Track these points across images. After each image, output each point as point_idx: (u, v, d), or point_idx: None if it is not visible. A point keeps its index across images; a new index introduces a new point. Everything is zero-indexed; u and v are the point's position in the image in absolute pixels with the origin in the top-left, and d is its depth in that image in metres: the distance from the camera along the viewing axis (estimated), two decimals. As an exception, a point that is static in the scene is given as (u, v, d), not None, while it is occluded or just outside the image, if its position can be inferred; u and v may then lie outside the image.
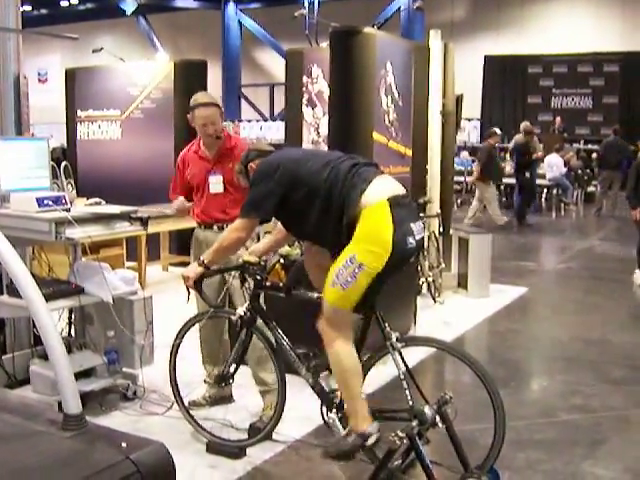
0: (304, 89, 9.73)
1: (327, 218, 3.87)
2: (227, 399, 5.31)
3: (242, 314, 4.37)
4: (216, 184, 5.05)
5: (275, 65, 28.57)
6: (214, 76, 18.06)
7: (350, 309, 3.85)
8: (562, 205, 18.71)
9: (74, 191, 5.66)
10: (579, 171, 19.64)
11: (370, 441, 3.82)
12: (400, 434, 3.69)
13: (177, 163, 5.35)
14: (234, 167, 4.68)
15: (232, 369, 4.53)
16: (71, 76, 11.06)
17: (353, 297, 3.80)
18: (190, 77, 10.34)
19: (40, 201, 4.87)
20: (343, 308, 3.84)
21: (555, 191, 18.83)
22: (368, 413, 3.88)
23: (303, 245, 4.91)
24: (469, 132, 25.32)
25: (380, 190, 3.82)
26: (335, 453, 3.98)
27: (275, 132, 24.37)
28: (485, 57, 25.50)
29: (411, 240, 3.76)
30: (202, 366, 5.29)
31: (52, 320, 3.98)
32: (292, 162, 4.06)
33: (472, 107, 21.92)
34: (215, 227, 5.10)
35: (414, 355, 5.24)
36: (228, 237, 4.19)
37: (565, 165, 18.83)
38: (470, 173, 20.07)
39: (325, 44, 9.47)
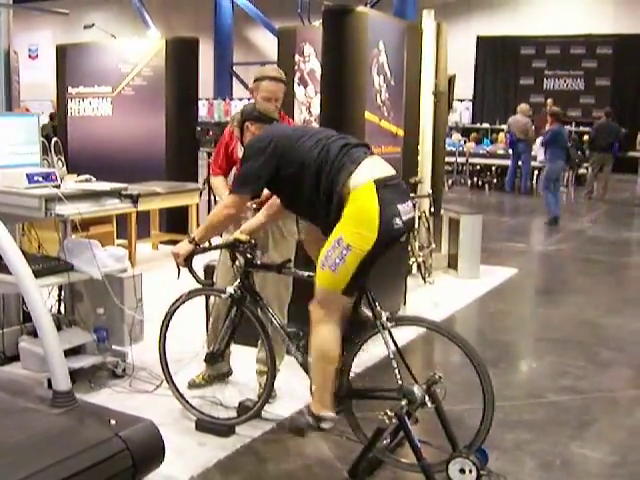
0: (296, 68, 9.68)
1: (317, 196, 3.88)
2: (226, 375, 5.27)
3: (232, 292, 4.37)
4: None
5: (267, 43, 28.49)
6: (206, 54, 17.99)
7: (340, 291, 3.86)
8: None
9: (64, 167, 5.63)
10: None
11: (324, 426, 3.99)
12: (389, 413, 3.72)
13: (223, 136, 5.18)
14: None
15: (222, 347, 4.53)
16: (62, 52, 10.96)
17: (343, 279, 3.81)
18: (182, 55, 10.30)
19: (30, 177, 4.85)
20: (333, 290, 3.86)
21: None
22: (331, 401, 3.98)
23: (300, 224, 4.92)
24: (461, 113, 25.34)
25: (368, 172, 3.83)
26: (289, 427, 4.28)
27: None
28: (478, 38, 25.42)
29: (398, 221, 3.76)
30: (200, 344, 5.21)
31: (41, 297, 3.99)
32: (284, 138, 4.05)
33: (464, 88, 21.90)
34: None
35: (404, 335, 5.24)
36: (218, 213, 4.18)
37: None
38: (462, 154, 20.06)
39: (317, 22, 9.43)
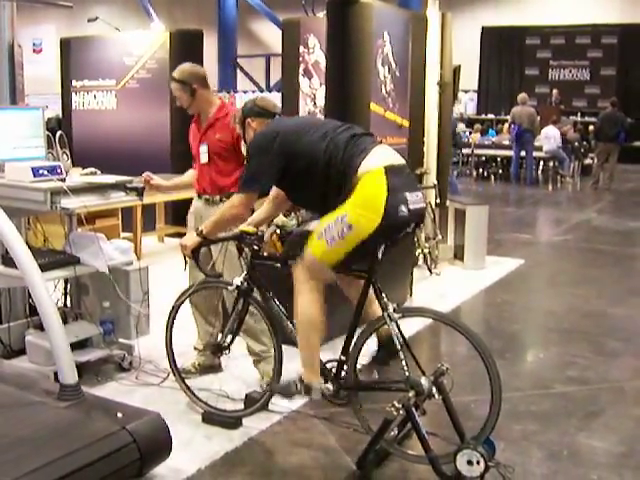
0: (300, 59, 9.68)
1: (326, 188, 3.89)
2: (216, 368, 5.33)
3: (239, 284, 4.36)
4: (204, 154, 5.06)
5: (271, 35, 28.39)
6: (210, 46, 17.94)
7: (329, 266, 3.90)
8: (559, 177, 18.72)
9: (69, 161, 5.63)
10: (576, 143, 19.60)
11: (313, 396, 4.07)
12: (396, 405, 3.71)
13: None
14: (220, 137, 4.78)
15: (229, 340, 4.52)
16: (66, 46, 10.98)
17: (336, 255, 3.85)
18: (186, 47, 10.26)
19: (35, 171, 4.84)
20: (323, 263, 3.90)
21: (552, 163, 18.84)
22: (319, 368, 4.07)
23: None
24: (466, 103, 25.28)
25: (377, 159, 3.84)
26: (279, 391, 4.32)
27: (271, 103, 24.23)
28: (483, 28, 25.34)
29: (403, 208, 3.76)
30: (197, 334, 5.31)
31: (47, 290, 4.00)
32: (290, 133, 4.04)
33: (469, 78, 21.87)
34: (203, 198, 5.12)
35: (410, 326, 5.23)
36: (227, 212, 4.19)
37: (562, 137, 18.80)
38: (467, 145, 20.00)
39: (322, 14, 9.41)
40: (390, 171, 3.79)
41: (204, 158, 5.06)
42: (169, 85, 5.22)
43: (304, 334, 4.02)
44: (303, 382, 4.06)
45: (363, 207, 3.75)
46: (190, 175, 5.28)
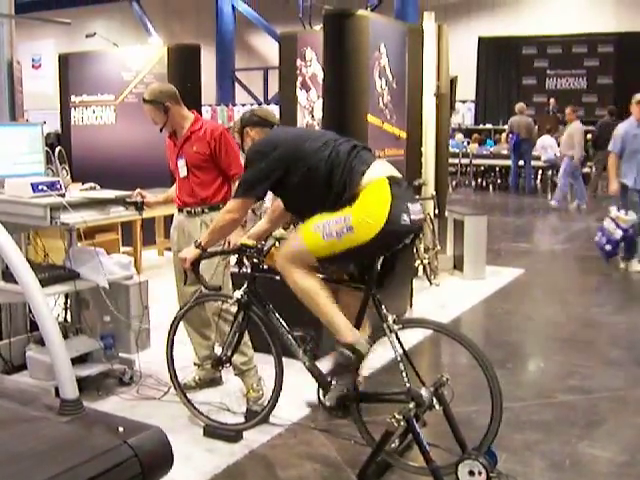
0: (298, 72, 9.69)
1: (326, 198, 3.88)
2: (217, 381, 5.34)
3: (239, 297, 4.37)
4: (182, 168, 5.09)
5: (269, 49, 28.48)
6: (208, 60, 17.98)
7: (316, 257, 3.89)
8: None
9: (69, 176, 5.65)
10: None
11: (361, 349, 3.86)
12: (397, 416, 3.70)
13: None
14: (197, 150, 4.80)
15: (229, 353, 4.52)
16: (65, 61, 11.01)
17: (326, 251, 3.85)
18: (184, 61, 10.30)
19: (35, 186, 4.86)
20: (312, 253, 3.89)
21: (550, 172, 18.84)
22: (349, 325, 3.92)
23: None
24: (463, 114, 25.31)
25: (380, 170, 3.88)
26: (333, 372, 4.04)
27: (269, 116, 24.28)
28: (479, 38, 25.37)
29: (405, 217, 3.77)
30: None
31: (48, 305, 3.99)
32: (290, 141, 4.06)
33: (466, 89, 21.88)
34: (185, 211, 5.16)
35: (411, 337, 5.24)
36: (222, 218, 4.20)
37: (559, 146, 18.80)
38: (465, 155, 20.02)
39: (319, 27, 9.42)
40: (393, 182, 3.83)
41: (183, 172, 5.10)
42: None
43: (314, 305, 3.93)
44: (345, 345, 3.88)
45: (367, 213, 3.75)
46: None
